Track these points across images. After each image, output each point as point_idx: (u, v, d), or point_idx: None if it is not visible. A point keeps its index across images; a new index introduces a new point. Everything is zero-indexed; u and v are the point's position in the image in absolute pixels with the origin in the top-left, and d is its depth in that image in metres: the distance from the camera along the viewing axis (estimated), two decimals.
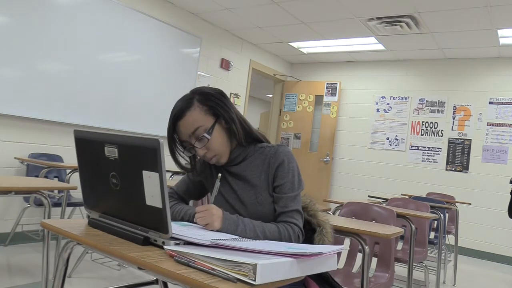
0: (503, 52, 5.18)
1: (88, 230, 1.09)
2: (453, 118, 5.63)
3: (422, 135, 5.82)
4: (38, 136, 3.65)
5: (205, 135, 1.29)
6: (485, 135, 5.39)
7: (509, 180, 4.00)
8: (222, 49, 5.59)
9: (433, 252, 4.21)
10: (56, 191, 3.51)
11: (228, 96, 2.00)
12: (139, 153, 0.97)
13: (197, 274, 0.80)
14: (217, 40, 5.49)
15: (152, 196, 0.97)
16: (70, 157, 3.82)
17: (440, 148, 5.67)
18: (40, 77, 3.54)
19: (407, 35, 4.93)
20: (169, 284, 1.60)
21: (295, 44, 5.96)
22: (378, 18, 4.53)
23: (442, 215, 3.46)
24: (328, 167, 6.36)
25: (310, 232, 1.36)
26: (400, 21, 4.50)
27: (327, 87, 6.50)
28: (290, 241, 1.25)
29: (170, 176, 3.93)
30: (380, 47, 5.56)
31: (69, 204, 3.40)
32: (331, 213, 2.70)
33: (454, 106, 5.65)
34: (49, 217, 2.19)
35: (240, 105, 5.92)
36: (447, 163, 5.60)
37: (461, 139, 5.54)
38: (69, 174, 3.39)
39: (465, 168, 5.47)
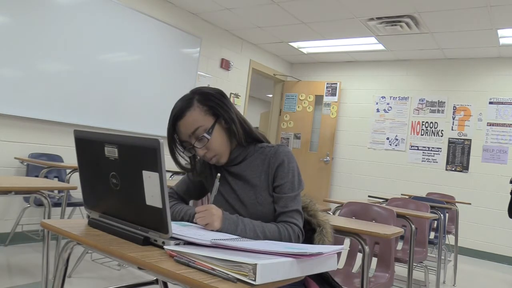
0: (503, 52, 5.18)
1: (88, 230, 1.09)
2: (453, 118, 5.63)
3: (422, 135, 5.82)
4: (38, 136, 3.65)
5: (205, 135, 1.29)
6: (485, 135, 5.39)
7: (509, 180, 4.00)
8: (222, 49, 5.59)
9: (433, 252, 4.20)
10: (56, 191, 3.51)
11: (228, 96, 2.01)
12: (139, 153, 0.97)
13: (197, 274, 0.80)
14: (217, 40, 5.49)
15: (152, 196, 0.97)
16: (70, 157, 3.82)
17: (440, 148, 5.67)
18: (40, 77, 3.54)
19: (407, 35, 4.93)
20: (169, 284, 1.60)
21: (295, 44, 5.96)
22: (378, 18, 4.53)
23: (442, 215, 3.45)
24: (328, 167, 6.36)
25: (310, 232, 1.36)
26: (400, 21, 4.50)
27: (327, 87, 6.50)
28: (290, 241, 1.25)
29: (170, 176, 3.93)
30: (380, 47, 5.56)
31: (69, 204, 3.40)
32: (331, 213, 2.70)
33: (454, 106, 5.65)
34: (49, 217, 2.19)
35: (240, 105, 5.92)
36: (447, 163, 5.59)
37: (461, 139, 5.54)
38: (69, 174, 3.39)
39: (465, 168, 5.47)
